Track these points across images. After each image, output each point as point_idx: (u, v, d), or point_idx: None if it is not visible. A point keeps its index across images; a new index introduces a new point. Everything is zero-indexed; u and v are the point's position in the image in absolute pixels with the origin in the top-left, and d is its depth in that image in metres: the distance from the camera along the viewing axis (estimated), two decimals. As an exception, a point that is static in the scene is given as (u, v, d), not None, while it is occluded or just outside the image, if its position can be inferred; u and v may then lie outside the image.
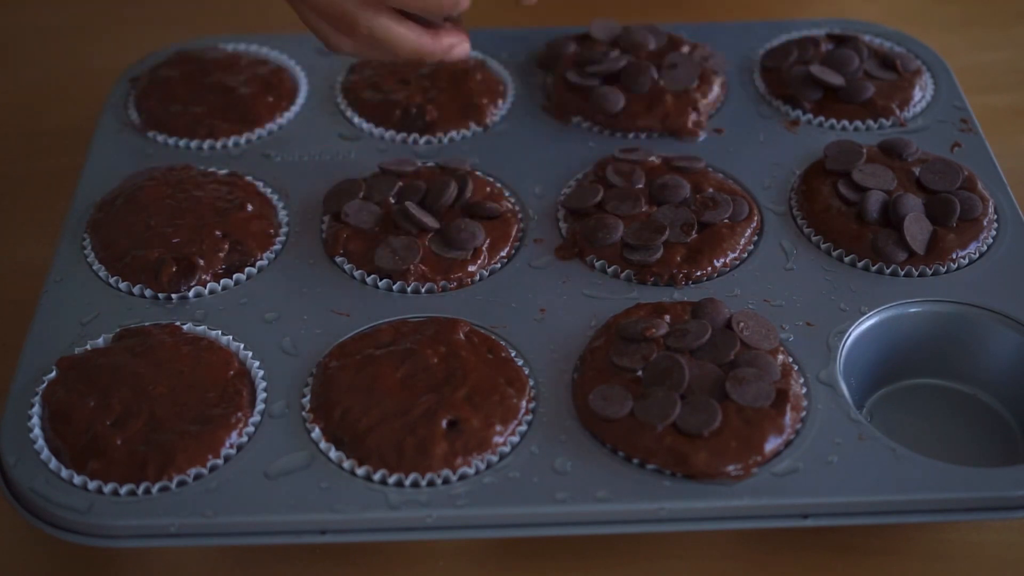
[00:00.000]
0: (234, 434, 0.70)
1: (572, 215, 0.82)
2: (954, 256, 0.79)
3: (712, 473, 0.68)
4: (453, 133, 0.90)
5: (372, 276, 0.79)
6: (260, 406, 0.72)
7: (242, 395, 0.72)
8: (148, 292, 0.78)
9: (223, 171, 0.86)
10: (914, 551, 0.71)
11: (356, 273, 0.79)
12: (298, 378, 0.73)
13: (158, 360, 0.73)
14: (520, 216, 0.83)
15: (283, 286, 0.79)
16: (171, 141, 0.89)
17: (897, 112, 0.90)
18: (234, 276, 0.79)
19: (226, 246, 0.80)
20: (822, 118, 0.90)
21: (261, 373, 0.73)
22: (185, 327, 0.75)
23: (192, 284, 0.78)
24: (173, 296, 0.78)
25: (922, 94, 0.92)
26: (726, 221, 0.81)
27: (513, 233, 0.82)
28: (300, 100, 0.93)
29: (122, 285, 0.78)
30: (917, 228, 0.79)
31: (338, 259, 0.80)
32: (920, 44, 0.98)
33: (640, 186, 0.83)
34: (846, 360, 0.75)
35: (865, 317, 0.76)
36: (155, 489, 0.68)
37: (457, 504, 0.67)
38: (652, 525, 0.67)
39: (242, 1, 1.12)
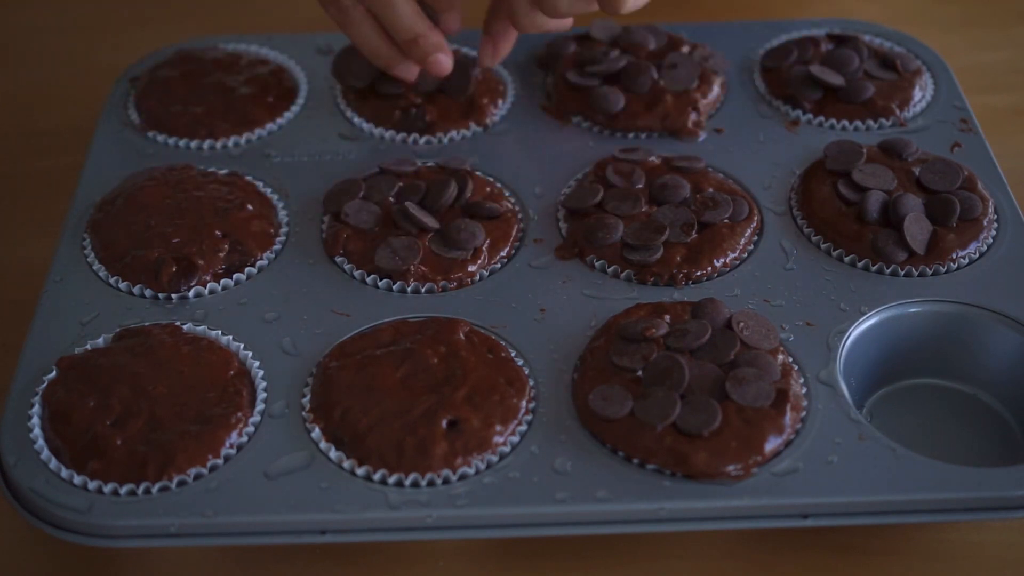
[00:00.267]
0: (234, 434, 0.70)
1: (572, 215, 0.82)
2: (954, 256, 0.79)
3: (712, 473, 0.68)
4: (453, 133, 0.90)
5: (372, 276, 0.79)
6: (260, 406, 0.72)
7: (242, 395, 0.72)
8: (148, 292, 0.78)
9: (223, 171, 0.86)
10: (914, 551, 0.71)
11: (356, 273, 0.79)
12: (298, 378, 0.73)
13: (158, 360, 0.73)
14: (520, 216, 0.83)
15: (283, 286, 0.79)
16: (171, 141, 0.89)
17: (897, 112, 0.90)
18: (234, 276, 0.79)
19: (226, 246, 0.80)
20: (822, 118, 0.90)
21: (261, 373, 0.73)
22: (185, 327, 0.75)
23: (192, 284, 0.78)
24: (173, 296, 0.78)
25: (922, 94, 0.92)
26: (726, 221, 0.81)
27: (513, 233, 0.82)
28: (300, 100, 0.93)
29: (122, 285, 0.78)
30: (917, 228, 0.79)
31: (338, 259, 0.80)
32: (920, 44, 0.98)
33: (640, 186, 0.83)
34: (846, 360, 0.75)
35: (865, 317, 0.76)
36: (155, 489, 0.68)
37: (457, 504, 0.67)
38: (652, 525, 0.67)
39: (242, 1, 1.12)
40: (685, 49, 0.94)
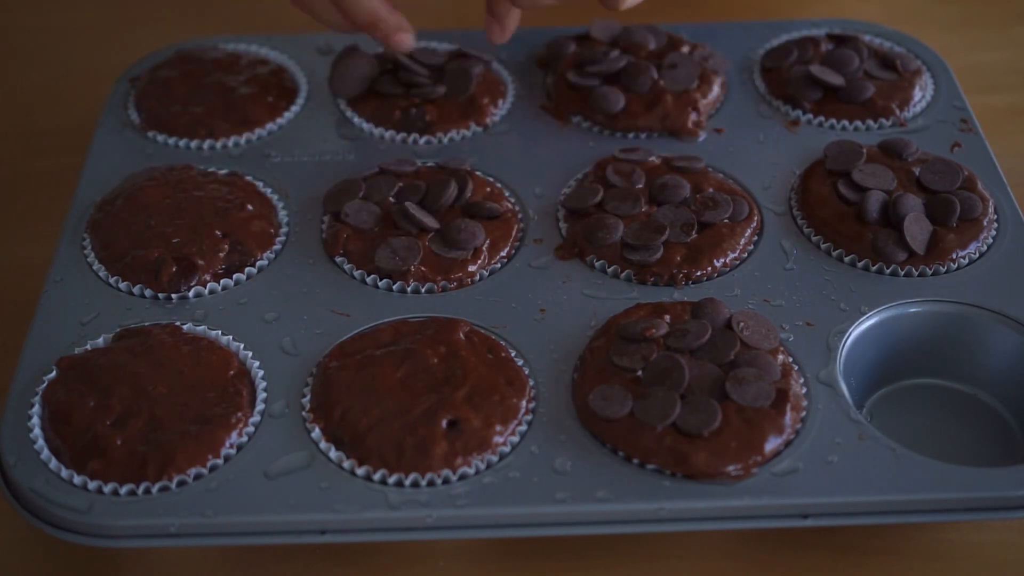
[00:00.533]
0: (234, 434, 0.70)
1: (572, 215, 0.82)
2: (954, 256, 0.79)
3: (712, 473, 0.68)
4: (453, 133, 0.90)
5: (372, 276, 0.79)
6: (260, 406, 0.72)
7: (242, 395, 0.72)
8: (148, 292, 0.78)
9: (223, 171, 0.86)
10: (914, 551, 0.71)
11: (356, 273, 0.79)
12: (298, 378, 0.73)
13: (158, 360, 0.73)
14: (520, 216, 0.83)
15: (283, 286, 0.79)
16: (171, 141, 0.89)
17: (897, 112, 0.90)
18: (234, 276, 0.79)
19: (226, 246, 0.80)
20: (822, 118, 0.90)
21: (261, 373, 0.73)
22: (185, 327, 0.75)
23: (192, 284, 0.78)
24: (173, 296, 0.78)
25: (922, 94, 0.92)
26: (726, 221, 0.81)
27: (513, 233, 0.82)
28: (300, 100, 0.93)
29: (122, 285, 0.78)
30: (917, 228, 0.79)
31: (338, 259, 0.80)
32: (920, 44, 0.98)
33: (640, 186, 0.83)
34: (846, 360, 0.75)
35: (865, 317, 0.76)
36: (155, 489, 0.68)
37: (457, 504, 0.67)
38: (652, 525, 0.67)
39: (242, 1, 1.12)
40: (685, 49, 0.94)
